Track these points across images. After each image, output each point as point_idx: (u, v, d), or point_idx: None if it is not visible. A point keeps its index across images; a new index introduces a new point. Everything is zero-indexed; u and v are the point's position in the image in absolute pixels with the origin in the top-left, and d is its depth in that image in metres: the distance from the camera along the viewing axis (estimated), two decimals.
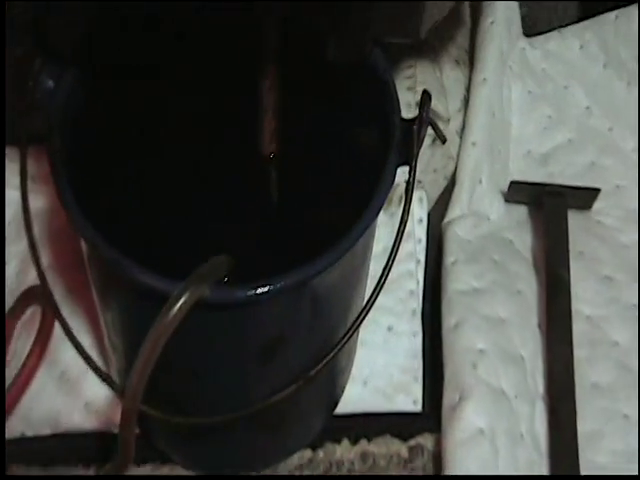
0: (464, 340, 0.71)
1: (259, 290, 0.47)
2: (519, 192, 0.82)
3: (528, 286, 0.77)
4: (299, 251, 0.52)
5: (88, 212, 0.48)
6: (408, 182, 0.56)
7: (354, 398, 0.70)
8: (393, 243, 0.53)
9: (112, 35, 0.56)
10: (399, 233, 0.53)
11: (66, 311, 0.67)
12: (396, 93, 0.58)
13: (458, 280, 0.74)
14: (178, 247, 0.53)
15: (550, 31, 0.93)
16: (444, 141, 0.60)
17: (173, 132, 0.58)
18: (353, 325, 0.53)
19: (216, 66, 0.59)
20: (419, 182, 0.80)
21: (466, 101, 0.86)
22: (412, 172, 0.56)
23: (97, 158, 0.55)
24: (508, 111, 0.87)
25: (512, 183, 0.81)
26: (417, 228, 0.77)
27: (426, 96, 0.57)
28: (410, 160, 0.56)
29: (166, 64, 0.57)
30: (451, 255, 0.76)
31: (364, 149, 0.60)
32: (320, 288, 0.52)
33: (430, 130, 0.59)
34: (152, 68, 0.57)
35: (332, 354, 0.52)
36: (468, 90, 0.86)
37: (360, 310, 0.54)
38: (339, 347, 0.52)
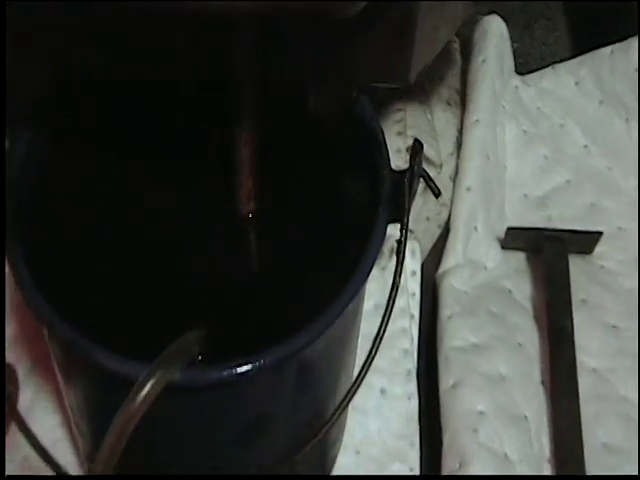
0: (463, 402, 0.67)
1: (236, 370, 0.43)
2: (516, 238, 0.78)
3: (529, 339, 0.73)
4: (282, 319, 0.48)
5: (46, 285, 0.44)
6: (400, 241, 0.52)
7: (346, 468, 0.66)
8: (385, 310, 0.49)
9: (74, 96, 0.52)
10: (391, 299, 0.49)
11: (32, 387, 0.62)
12: (385, 143, 0.54)
13: (455, 336, 0.71)
14: (150, 319, 0.49)
15: (544, 68, 0.89)
16: (438, 194, 0.56)
17: (141, 193, 0.54)
18: (344, 400, 0.49)
19: (185, 117, 0.55)
20: (411, 232, 0.76)
21: (459, 144, 0.82)
22: (404, 229, 0.52)
23: (58, 224, 0.51)
24: (503, 153, 0.84)
25: (509, 229, 0.78)
26: (410, 281, 0.73)
27: (417, 145, 0.53)
28: (402, 216, 0.52)
29: (129, 120, 0.53)
30: (447, 308, 0.73)
31: (351, 204, 0.56)
32: (306, 361, 0.48)
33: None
34: (114, 126, 0.53)
35: (320, 435, 0.48)
36: (460, 132, 0.83)
37: (351, 379, 0.50)
38: (328, 426, 0.48)
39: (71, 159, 0.54)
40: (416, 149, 0.53)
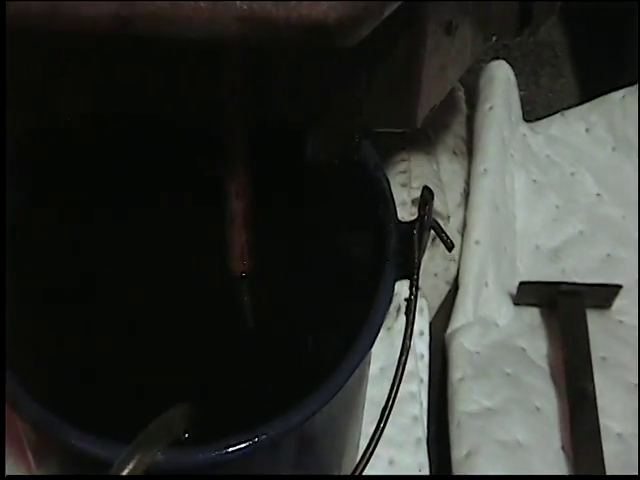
0: (478, 472, 0.62)
1: (228, 450, 0.38)
2: (529, 293, 0.74)
3: (547, 402, 0.69)
4: (280, 389, 0.43)
5: (17, 360, 0.40)
6: (409, 299, 0.47)
7: None
8: (394, 377, 0.44)
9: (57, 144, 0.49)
10: (400, 364, 0.45)
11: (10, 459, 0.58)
12: (391, 193, 0.50)
13: (467, 400, 0.66)
14: (133, 392, 0.45)
15: (551, 115, 0.86)
16: (451, 248, 0.52)
17: (126, 253, 0.50)
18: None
19: (173, 167, 0.50)
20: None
21: (466, 195, 0.79)
22: (413, 287, 0.48)
23: (29, 291, 0.47)
24: (512, 203, 0.80)
25: (521, 284, 0.74)
26: (418, 342, 0.68)
27: (427, 193, 0.49)
28: (411, 273, 0.48)
29: (115, 172, 0.49)
30: (457, 370, 0.68)
31: (355, 260, 0.52)
32: (307, 436, 0.43)
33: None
34: (100, 181, 0.49)
35: None
36: (468, 183, 0.79)
37: (357, 449, 0.45)
38: None
39: (50, 217, 0.50)
40: (426, 198, 0.49)
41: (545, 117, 0.87)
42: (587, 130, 0.85)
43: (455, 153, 0.81)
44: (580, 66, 0.98)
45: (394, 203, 0.50)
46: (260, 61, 0.45)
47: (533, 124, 0.86)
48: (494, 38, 0.59)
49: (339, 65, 0.45)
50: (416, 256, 0.47)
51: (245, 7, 0.36)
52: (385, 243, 0.48)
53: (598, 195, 0.83)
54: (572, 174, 0.83)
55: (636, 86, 0.83)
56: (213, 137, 0.47)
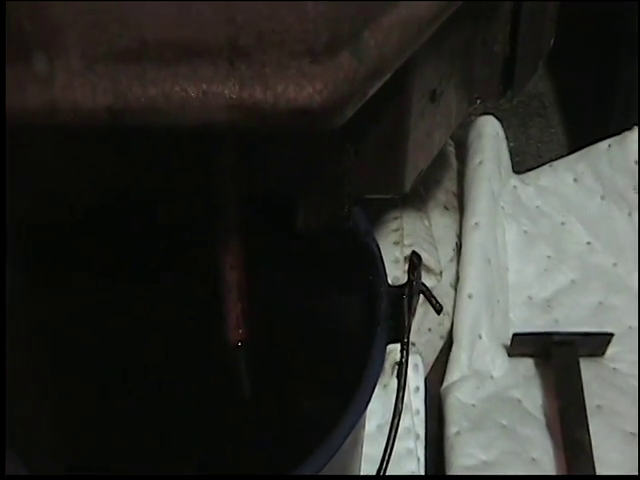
0: None
1: None
2: (523, 345, 0.76)
3: (544, 453, 0.69)
4: (274, 455, 0.44)
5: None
6: (401, 363, 0.49)
7: None
8: (387, 440, 0.45)
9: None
10: (393, 427, 0.46)
11: None
12: (381, 258, 0.52)
13: (463, 453, 0.67)
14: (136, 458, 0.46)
15: (541, 165, 0.88)
16: (439, 310, 0.53)
17: (126, 324, 0.51)
18: None
19: (170, 242, 0.52)
20: (413, 345, 0.72)
21: (458, 249, 0.80)
22: (404, 350, 0.49)
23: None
24: (504, 255, 0.82)
25: (515, 335, 0.75)
26: (414, 398, 0.69)
27: (416, 258, 0.50)
28: (401, 336, 0.49)
29: (110, 245, 0.51)
30: (453, 425, 0.69)
31: (347, 324, 0.54)
32: None
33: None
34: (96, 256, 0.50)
35: None
36: (460, 237, 0.80)
37: None
38: None
39: (48, 287, 0.51)
40: (414, 262, 0.50)
41: (535, 167, 0.88)
42: (575, 180, 0.86)
43: (446, 208, 0.83)
44: (568, 116, 1.00)
45: (384, 268, 0.52)
46: (251, 141, 0.46)
47: (523, 175, 0.87)
48: (478, 101, 0.61)
49: (327, 139, 0.47)
50: (406, 320, 0.48)
51: (234, 96, 0.38)
52: (376, 307, 0.49)
53: (588, 244, 0.84)
54: (562, 224, 0.85)
55: (621, 135, 0.85)
56: (207, 211, 0.48)
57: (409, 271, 0.50)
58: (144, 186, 0.48)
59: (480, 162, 0.83)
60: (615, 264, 0.83)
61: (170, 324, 0.51)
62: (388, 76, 0.42)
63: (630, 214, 0.84)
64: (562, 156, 0.89)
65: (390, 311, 0.49)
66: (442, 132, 0.58)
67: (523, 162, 0.93)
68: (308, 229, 0.50)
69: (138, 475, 0.44)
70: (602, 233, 0.84)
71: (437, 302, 0.52)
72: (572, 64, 0.98)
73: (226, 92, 0.38)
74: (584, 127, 0.96)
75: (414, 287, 0.50)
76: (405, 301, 0.50)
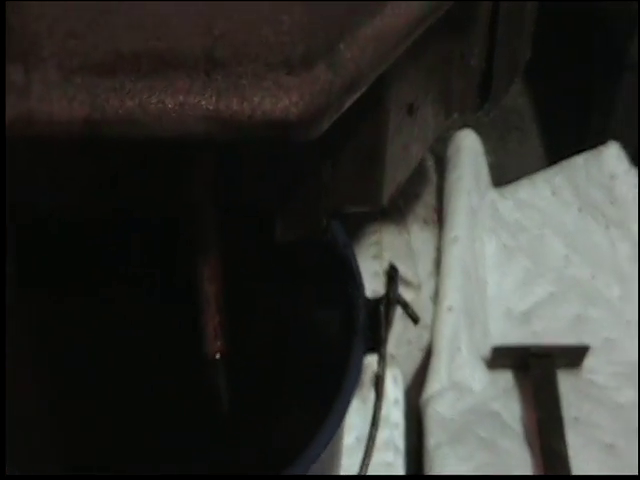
0: None
1: None
2: (502, 357, 0.76)
3: (522, 464, 0.70)
4: (253, 467, 0.44)
5: None
6: (378, 375, 0.49)
7: None
8: (363, 455, 0.45)
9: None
10: (370, 441, 0.46)
11: None
12: (358, 271, 0.52)
13: (443, 466, 0.67)
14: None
15: (519, 178, 0.89)
16: (416, 321, 0.54)
17: (105, 337, 0.51)
18: None
19: (148, 252, 0.52)
20: (392, 357, 0.73)
21: (438, 262, 0.81)
22: (382, 361, 0.49)
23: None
24: (483, 268, 0.82)
25: (494, 348, 0.76)
26: (393, 411, 0.69)
27: (393, 271, 0.51)
28: (379, 346, 0.49)
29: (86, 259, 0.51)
30: (433, 437, 0.69)
31: (325, 335, 0.54)
32: None
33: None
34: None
35: None
36: (439, 250, 0.81)
37: None
38: None
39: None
40: (392, 275, 0.51)
41: (514, 181, 0.89)
42: (553, 193, 0.87)
43: (426, 222, 0.83)
44: (546, 129, 1.01)
45: (362, 281, 0.52)
46: (228, 152, 0.46)
47: (501, 189, 0.88)
48: (455, 114, 0.62)
49: (305, 152, 0.47)
50: (383, 331, 0.49)
51: (211, 107, 0.38)
52: (354, 319, 0.49)
53: (566, 256, 0.85)
54: (541, 237, 0.86)
55: (596, 150, 0.86)
56: (185, 223, 0.48)
57: (387, 283, 0.51)
58: (122, 196, 0.48)
59: (459, 176, 0.84)
60: (593, 276, 0.83)
61: (148, 336, 0.51)
62: (364, 89, 0.42)
63: (607, 227, 0.85)
64: (540, 168, 0.89)
65: (367, 322, 0.50)
66: (420, 145, 0.59)
67: (502, 175, 0.93)
68: (286, 241, 0.50)
69: (138, 475, 0.44)
70: (579, 246, 0.85)
71: (414, 313, 0.53)
72: (550, 78, 0.99)
73: (203, 103, 0.38)
74: (562, 140, 0.97)
75: (391, 299, 0.50)
76: (382, 313, 0.50)
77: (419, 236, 0.82)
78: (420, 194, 0.85)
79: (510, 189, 0.88)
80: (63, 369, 0.50)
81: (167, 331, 0.52)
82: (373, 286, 0.73)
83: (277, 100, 0.38)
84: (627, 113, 0.87)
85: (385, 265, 0.75)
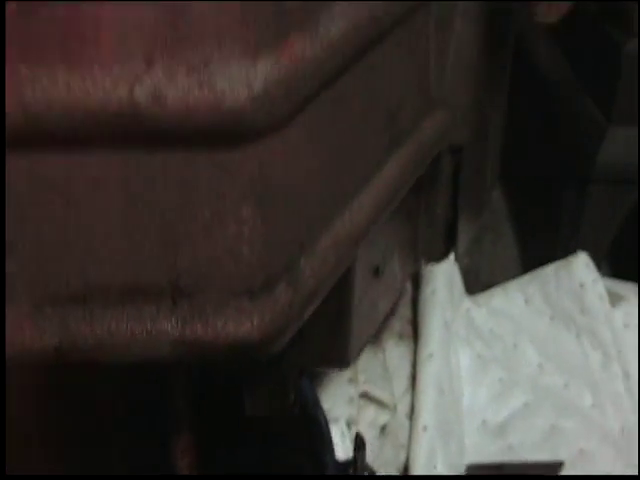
0: None
1: None
2: (477, 474, 0.77)
3: None
4: None
5: None
6: None
7: None
8: None
9: None
10: None
11: None
12: (328, 430, 0.54)
13: None
14: None
15: (493, 280, 0.91)
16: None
17: None
18: None
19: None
20: None
21: (413, 378, 0.82)
22: None
23: None
24: (458, 381, 0.84)
25: (469, 466, 0.77)
26: None
27: (359, 441, 0.52)
28: None
29: None
30: None
31: None
32: None
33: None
34: None
35: None
36: (414, 366, 0.82)
37: None
38: None
39: None
40: (358, 445, 0.52)
41: (488, 284, 0.91)
42: (526, 301, 0.89)
43: (401, 336, 0.85)
44: (520, 229, 1.03)
45: (331, 441, 0.54)
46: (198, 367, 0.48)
47: (476, 297, 0.90)
48: (422, 263, 0.64)
49: None
50: None
51: (177, 333, 0.40)
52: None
53: (539, 365, 0.86)
54: (514, 345, 0.87)
55: (567, 260, 0.88)
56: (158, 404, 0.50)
57: (354, 450, 0.52)
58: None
59: (433, 290, 0.85)
60: (566, 385, 0.85)
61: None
62: (324, 295, 0.44)
63: (578, 335, 0.87)
64: (513, 270, 0.91)
65: None
66: (387, 300, 0.61)
67: (476, 279, 0.95)
68: (255, 414, 0.52)
69: (137, 475, 0.45)
70: (552, 354, 0.86)
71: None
72: (524, 182, 1.01)
73: (169, 329, 0.40)
74: (535, 240, 0.99)
75: (358, 467, 0.52)
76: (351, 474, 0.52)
77: (394, 352, 0.83)
78: (395, 307, 0.86)
79: (484, 297, 0.90)
80: None
81: None
82: (348, 411, 0.75)
83: (239, 324, 0.40)
84: (594, 225, 0.89)
85: (360, 389, 0.77)
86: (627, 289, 0.87)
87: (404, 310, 0.87)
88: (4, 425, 0.58)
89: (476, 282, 0.93)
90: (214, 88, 0.34)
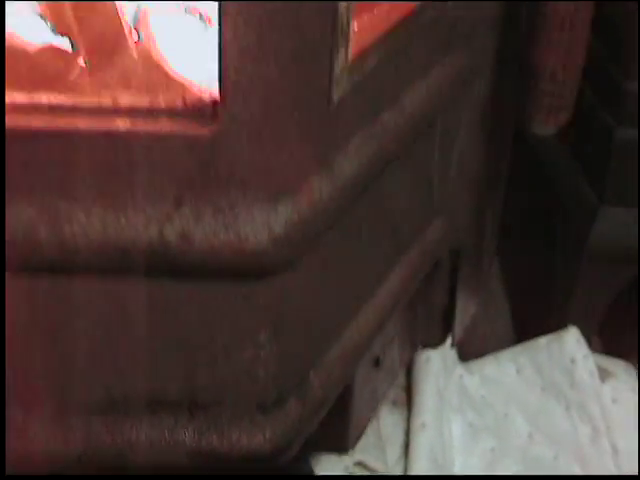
0: None
1: None
2: None
3: None
4: None
5: None
6: None
7: None
8: None
9: None
10: None
11: None
12: None
13: None
14: None
15: (485, 344, 0.92)
16: None
17: None
18: None
19: None
20: None
21: (406, 446, 0.83)
22: None
23: None
24: (450, 450, 0.85)
25: None
26: None
27: None
28: None
29: None
30: None
31: None
32: None
33: None
34: None
35: None
36: (408, 433, 0.84)
37: None
38: None
39: None
40: None
41: (480, 348, 0.92)
42: (518, 371, 0.90)
43: (395, 404, 0.86)
44: (513, 295, 1.04)
45: None
46: None
47: (468, 364, 0.91)
48: (420, 347, 0.66)
49: None
50: None
51: (194, 444, 0.42)
52: None
53: (530, 435, 0.87)
54: (505, 415, 0.88)
55: (558, 333, 0.90)
56: None
57: None
58: None
59: (427, 359, 0.87)
60: (555, 457, 0.86)
61: None
62: (332, 402, 0.46)
63: (568, 408, 0.88)
64: (505, 337, 0.93)
65: None
66: (387, 384, 0.63)
67: (469, 344, 0.96)
68: None
69: (137, 475, 0.47)
70: (542, 425, 0.87)
71: None
72: (519, 251, 1.03)
73: (186, 440, 0.42)
74: (528, 306, 1.00)
75: None
76: None
77: (388, 420, 0.84)
78: None
79: (477, 364, 0.91)
80: None
81: None
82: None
83: (252, 437, 0.42)
84: (586, 301, 0.91)
85: (356, 458, 0.79)
86: (616, 365, 0.89)
87: (398, 377, 0.89)
88: (4, 426, 0.60)
89: (469, 347, 0.95)
90: (238, 232, 0.37)
